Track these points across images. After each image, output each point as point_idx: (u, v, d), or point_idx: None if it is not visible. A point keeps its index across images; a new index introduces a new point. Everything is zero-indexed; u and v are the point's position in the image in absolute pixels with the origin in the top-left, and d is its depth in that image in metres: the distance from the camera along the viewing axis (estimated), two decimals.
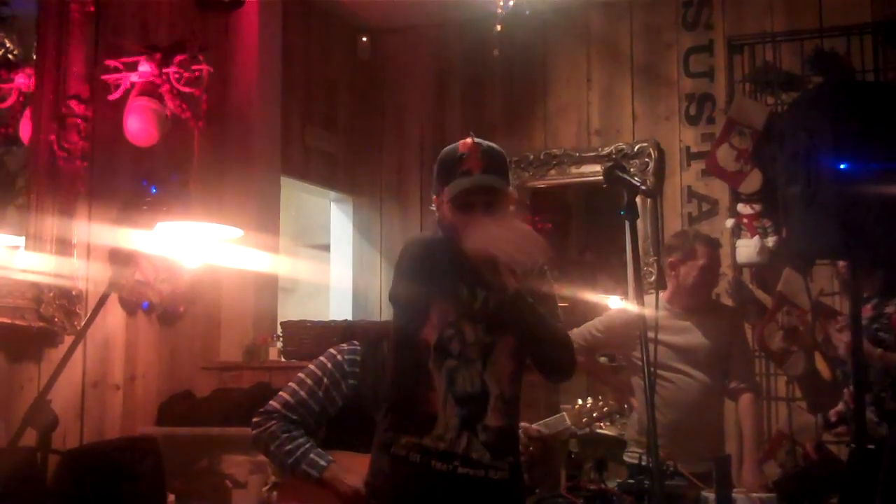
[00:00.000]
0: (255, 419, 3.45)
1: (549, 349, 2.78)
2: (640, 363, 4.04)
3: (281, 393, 3.48)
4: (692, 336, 4.41)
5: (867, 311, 4.32)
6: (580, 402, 3.89)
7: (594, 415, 3.81)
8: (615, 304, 5.73)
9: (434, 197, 2.84)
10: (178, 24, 4.86)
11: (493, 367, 2.72)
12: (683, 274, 4.45)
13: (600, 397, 3.91)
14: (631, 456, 4.38)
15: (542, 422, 3.85)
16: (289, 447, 3.35)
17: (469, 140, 2.76)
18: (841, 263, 4.42)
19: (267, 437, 3.40)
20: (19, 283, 3.91)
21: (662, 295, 4.57)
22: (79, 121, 4.16)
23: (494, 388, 2.72)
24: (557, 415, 3.86)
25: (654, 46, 6.19)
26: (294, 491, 3.41)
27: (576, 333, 4.60)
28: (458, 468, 2.68)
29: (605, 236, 6.78)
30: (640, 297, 2.72)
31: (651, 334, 3.84)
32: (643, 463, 4.06)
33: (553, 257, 6.63)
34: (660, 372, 4.26)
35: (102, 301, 3.43)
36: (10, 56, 4.21)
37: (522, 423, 3.66)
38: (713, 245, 4.52)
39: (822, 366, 5.11)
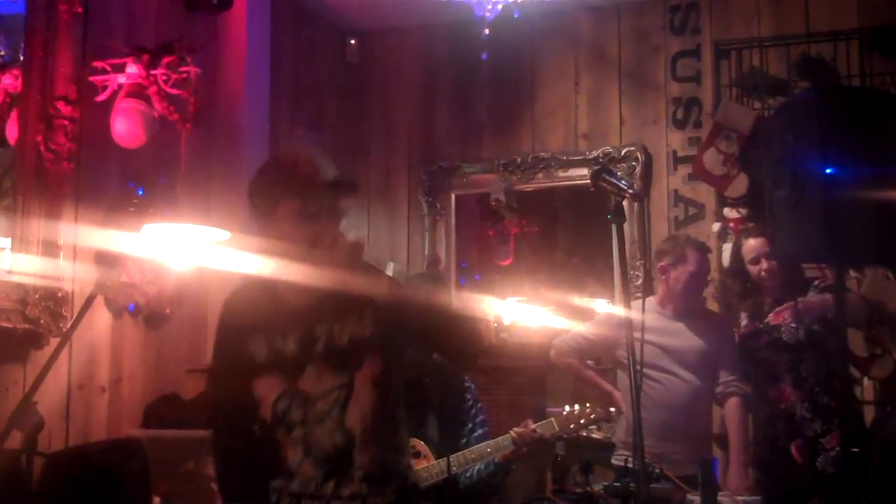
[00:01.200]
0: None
1: (442, 330, 2.50)
2: (626, 362, 4.12)
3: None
4: (682, 338, 4.46)
5: (784, 315, 4.36)
6: (568, 408, 3.90)
7: (581, 421, 3.82)
8: (601, 307, 5.75)
9: (258, 212, 2.56)
10: (165, 25, 4.85)
11: (355, 405, 2.47)
12: (674, 278, 4.50)
13: (588, 404, 3.92)
14: (618, 459, 4.40)
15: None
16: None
17: (299, 149, 2.54)
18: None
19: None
20: (5, 284, 3.90)
21: (653, 298, 4.63)
22: (66, 122, 4.15)
23: (361, 427, 2.48)
24: (545, 420, 3.86)
25: (641, 50, 6.21)
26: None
27: (566, 338, 4.64)
28: (332, 502, 2.48)
29: (592, 240, 6.77)
30: (627, 301, 2.73)
31: (639, 337, 3.93)
32: (629, 465, 4.08)
33: (537, 261, 6.65)
34: (649, 372, 4.33)
35: (88, 303, 3.41)
36: None
37: (521, 426, 3.68)
38: (703, 250, 4.57)
39: None
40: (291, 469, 2.49)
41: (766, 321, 4.39)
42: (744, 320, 4.60)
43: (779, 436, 4.30)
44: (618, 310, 4.86)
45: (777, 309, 4.35)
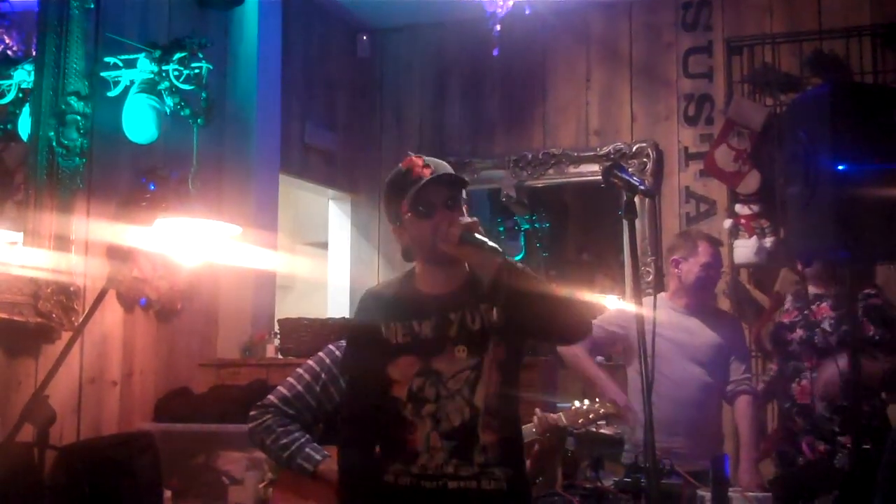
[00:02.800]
0: (251, 413, 3.46)
1: (558, 306, 2.67)
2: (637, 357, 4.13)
3: (278, 388, 3.48)
4: (694, 334, 4.46)
5: (824, 310, 4.36)
6: (577, 403, 3.89)
7: (591, 416, 3.81)
8: (613, 304, 5.74)
9: (393, 228, 2.80)
10: (177, 21, 4.87)
11: (483, 386, 2.67)
12: (685, 271, 4.50)
13: (597, 399, 3.91)
14: (628, 457, 4.41)
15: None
16: (284, 441, 3.36)
17: (408, 157, 2.75)
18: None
19: (262, 431, 3.40)
20: (17, 278, 3.91)
21: (665, 294, 4.62)
22: (78, 117, 4.16)
23: (485, 408, 2.67)
24: (555, 415, 3.86)
25: (653, 47, 6.20)
26: (290, 486, 3.42)
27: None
28: (448, 483, 2.64)
29: (602, 236, 6.78)
30: (638, 297, 2.73)
31: (650, 334, 3.93)
32: (638, 462, 4.09)
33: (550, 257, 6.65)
34: (660, 367, 4.28)
35: (100, 297, 3.42)
36: (9, 52, 4.21)
37: (539, 412, 3.68)
38: (715, 243, 4.57)
39: None
40: (416, 446, 2.66)
41: (805, 312, 4.37)
42: (787, 304, 4.60)
43: (796, 431, 4.31)
44: (629, 306, 4.84)
45: (821, 302, 4.35)
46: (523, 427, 3.68)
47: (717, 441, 4.52)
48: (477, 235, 2.59)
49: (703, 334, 4.47)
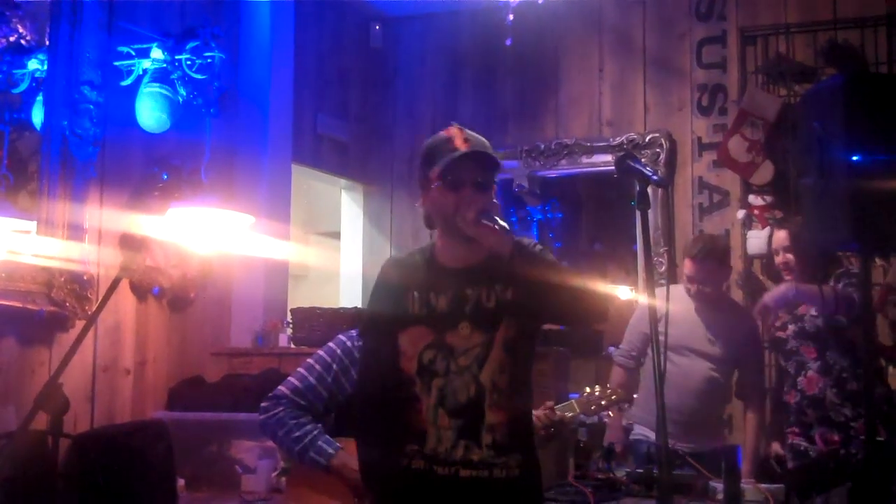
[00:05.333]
0: (263, 404, 3.46)
1: (573, 293, 2.67)
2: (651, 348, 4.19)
3: (290, 378, 3.48)
4: (704, 327, 4.46)
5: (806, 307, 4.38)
6: (588, 389, 3.88)
7: (603, 402, 3.80)
8: (624, 294, 5.73)
9: (421, 192, 2.78)
10: (190, 10, 4.87)
11: (490, 364, 2.67)
12: (695, 269, 4.53)
13: (609, 385, 3.91)
14: (637, 435, 4.46)
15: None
16: (297, 434, 3.35)
17: (452, 127, 2.73)
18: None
19: (275, 424, 3.40)
20: (31, 267, 3.93)
21: (680, 286, 4.64)
22: (91, 106, 4.17)
23: (493, 386, 2.66)
24: (565, 403, 3.86)
25: (666, 37, 6.18)
26: (303, 477, 3.42)
27: (622, 352, 4.68)
28: (459, 471, 2.64)
29: (615, 227, 6.78)
30: (651, 288, 2.72)
31: (663, 328, 3.97)
32: (651, 449, 4.13)
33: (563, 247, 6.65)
34: (670, 355, 4.34)
35: (114, 286, 3.42)
36: (23, 41, 4.22)
37: (546, 405, 3.67)
38: (698, 257, 4.55)
39: None
40: (424, 424, 2.66)
41: (794, 313, 4.41)
42: (774, 313, 4.61)
43: (810, 423, 4.32)
44: (647, 301, 4.83)
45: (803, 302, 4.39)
46: None
47: (713, 434, 4.54)
48: (490, 217, 2.59)
49: (713, 329, 4.48)
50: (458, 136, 2.69)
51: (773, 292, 4.41)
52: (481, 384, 2.65)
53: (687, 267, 4.54)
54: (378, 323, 2.80)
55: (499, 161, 2.75)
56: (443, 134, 2.73)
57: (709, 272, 4.48)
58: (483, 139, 2.74)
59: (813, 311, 4.33)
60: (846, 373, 4.25)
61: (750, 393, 4.57)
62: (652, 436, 4.35)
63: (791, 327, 4.43)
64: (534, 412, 3.70)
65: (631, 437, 4.53)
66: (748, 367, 4.55)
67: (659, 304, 4.34)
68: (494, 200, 2.68)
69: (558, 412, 3.68)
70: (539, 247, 2.74)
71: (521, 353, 2.74)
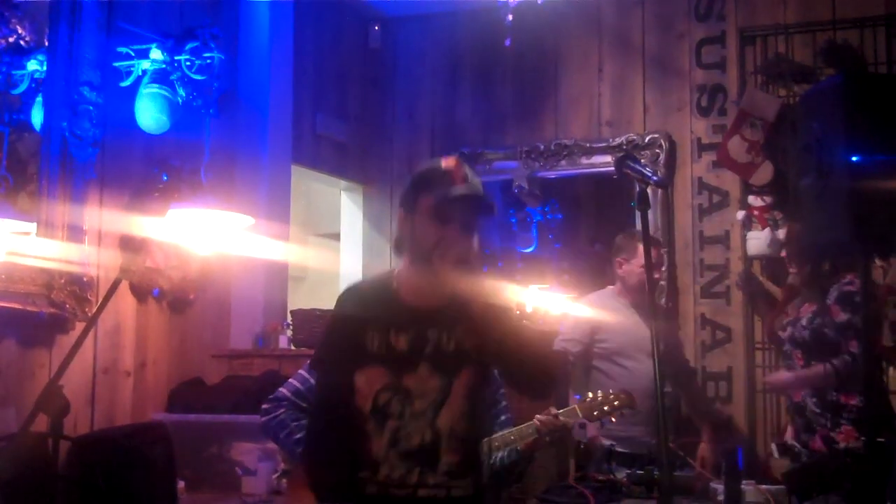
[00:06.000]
0: (264, 406, 3.46)
1: (532, 360, 2.66)
2: (598, 350, 4.67)
3: (290, 380, 3.48)
4: (640, 327, 4.63)
5: (809, 309, 4.41)
6: (590, 394, 3.89)
7: (605, 408, 3.80)
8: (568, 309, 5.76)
9: (401, 213, 2.71)
10: (190, 11, 4.87)
11: (448, 408, 2.62)
12: (628, 272, 4.73)
13: (611, 391, 3.91)
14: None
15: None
16: (298, 436, 3.35)
17: (452, 158, 2.68)
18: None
19: (276, 426, 3.40)
20: (31, 269, 3.93)
21: (614, 288, 4.79)
22: (91, 107, 4.17)
23: (449, 430, 2.62)
24: (568, 408, 3.86)
25: (666, 37, 6.17)
26: (304, 480, 3.42)
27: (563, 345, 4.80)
28: (417, 491, 2.60)
29: (614, 228, 6.74)
30: (651, 288, 2.73)
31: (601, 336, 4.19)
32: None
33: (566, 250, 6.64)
34: (617, 359, 4.67)
35: (114, 288, 3.42)
36: (22, 42, 4.21)
37: (545, 413, 3.69)
38: (654, 244, 4.71)
39: None
40: (377, 460, 2.60)
41: (793, 315, 4.45)
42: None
43: (799, 429, 4.36)
44: (581, 310, 4.97)
45: (803, 303, 4.43)
46: (521, 427, 3.69)
47: (674, 428, 4.76)
48: (473, 265, 2.55)
49: (647, 327, 4.64)
50: (458, 173, 2.63)
51: (775, 380, 4.68)
52: (437, 430, 2.61)
53: (642, 254, 4.63)
54: (335, 358, 2.72)
55: (493, 208, 2.71)
56: (442, 164, 2.67)
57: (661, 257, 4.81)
58: (478, 180, 2.69)
59: (804, 322, 4.38)
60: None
61: (686, 381, 4.93)
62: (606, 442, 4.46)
63: (789, 329, 4.46)
64: (536, 417, 3.71)
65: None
66: (680, 358, 4.87)
67: (593, 312, 4.62)
68: (477, 246, 2.61)
69: (561, 418, 3.68)
70: (509, 308, 2.67)
71: (480, 398, 2.71)
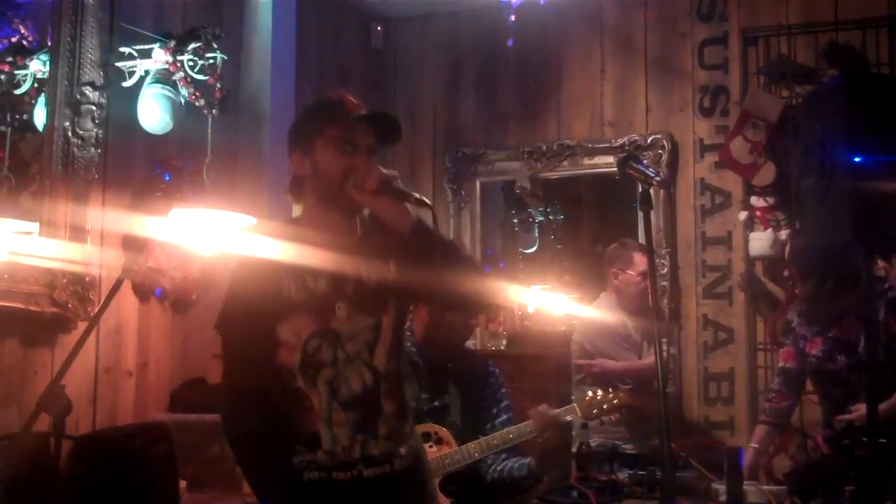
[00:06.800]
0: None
1: (461, 279, 2.45)
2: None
3: None
4: (638, 334, 4.80)
5: (818, 342, 4.31)
6: (590, 393, 3.89)
7: (605, 406, 3.81)
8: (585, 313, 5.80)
9: (293, 153, 2.57)
10: (192, 11, 4.87)
11: (381, 348, 2.48)
12: (624, 282, 4.82)
13: (610, 389, 3.91)
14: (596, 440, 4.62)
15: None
16: None
17: (341, 93, 2.57)
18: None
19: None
20: (33, 269, 3.92)
21: (610, 297, 4.85)
22: (93, 107, 4.17)
23: (386, 373, 2.48)
24: (567, 406, 3.86)
25: (668, 38, 6.17)
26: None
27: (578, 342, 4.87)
28: (362, 472, 2.46)
29: (617, 228, 6.76)
30: (654, 287, 2.74)
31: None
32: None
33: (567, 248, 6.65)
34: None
35: (116, 287, 3.43)
36: (24, 42, 4.22)
37: (540, 407, 3.69)
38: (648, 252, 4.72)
39: None
40: (315, 426, 2.43)
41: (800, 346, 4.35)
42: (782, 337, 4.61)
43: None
44: (591, 312, 5.03)
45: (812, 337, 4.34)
46: (520, 426, 3.69)
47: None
48: (400, 186, 2.46)
49: (640, 335, 4.80)
50: (352, 101, 2.54)
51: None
52: (375, 369, 2.47)
53: (639, 262, 4.79)
54: (249, 313, 2.47)
55: (400, 129, 2.60)
56: (332, 97, 2.57)
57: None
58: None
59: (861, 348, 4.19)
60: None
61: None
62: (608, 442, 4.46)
63: (842, 359, 4.31)
64: (530, 411, 3.71)
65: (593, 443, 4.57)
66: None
67: (596, 316, 4.69)
68: (393, 171, 2.50)
69: (554, 413, 3.67)
70: (434, 224, 2.53)
71: (401, 336, 2.58)
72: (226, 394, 2.60)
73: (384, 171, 2.47)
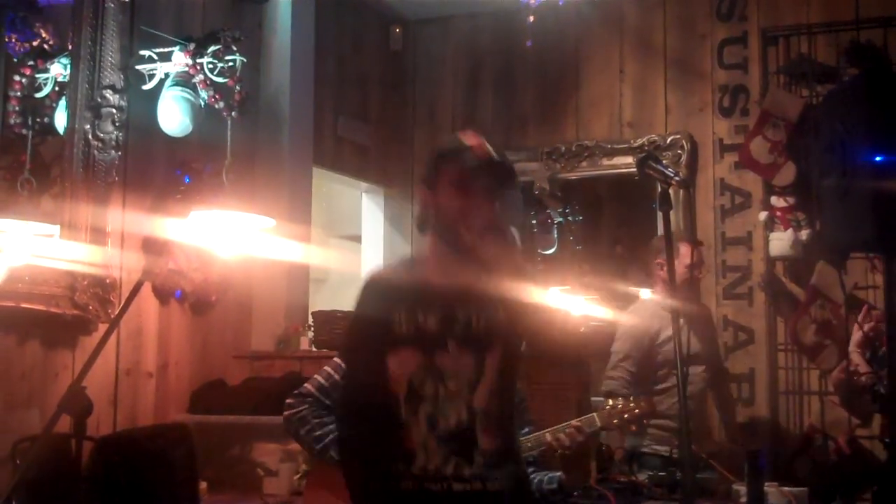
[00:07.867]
0: (288, 401, 3.47)
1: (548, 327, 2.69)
2: (660, 359, 4.66)
3: (316, 376, 3.48)
4: (688, 331, 4.67)
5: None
6: (611, 402, 3.86)
7: (625, 416, 3.77)
8: (645, 296, 5.72)
9: (423, 190, 2.66)
10: (211, 14, 4.89)
11: (483, 387, 2.58)
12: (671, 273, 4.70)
13: (632, 399, 3.88)
14: (646, 448, 4.53)
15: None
16: (318, 433, 3.37)
17: (472, 133, 2.62)
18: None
19: (297, 421, 3.41)
20: (54, 271, 3.95)
21: (654, 293, 4.81)
22: (113, 110, 4.19)
23: (485, 411, 2.58)
24: (588, 415, 3.83)
25: (687, 38, 6.15)
26: (322, 478, 3.43)
27: (614, 376, 4.77)
28: (452, 485, 2.55)
29: (636, 229, 6.74)
30: (673, 289, 2.73)
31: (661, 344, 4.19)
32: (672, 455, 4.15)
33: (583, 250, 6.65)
34: (669, 367, 4.67)
35: (136, 289, 3.44)
36: (45, 46, 4.24)
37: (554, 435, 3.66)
38: (695, 244, 4.73)
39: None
40: (414, 449, 2.57)
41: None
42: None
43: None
44: (629, 316, 4.97)
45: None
46: (540, 434, 3.65)
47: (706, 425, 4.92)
48: (499, 231, 2.52)
49: (695, 328, 4.75)
50: (483, 147, 2.59)
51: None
52: (474, 409, 2.57)
53: (685, 254, 4.70)
54: (365, 344, 2.68)
55: (516, 177, 2.69)
56: (463, 139, 2.64)
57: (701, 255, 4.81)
58: (501, 153, 2.65)
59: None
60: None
61: (720, 382, 5.05)
62: (661, 449, 4.41)
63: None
64: (560, 435, 3.65)
65: (642, 450, 4.54)
66: (714, 357, 4.96)
67: (643, 321, 4.61)
68: (508, 212, 2.58)
69: (584, 431, 3.62)
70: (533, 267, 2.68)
71: (512, 376, 2.68)
72: (341, 413, 2.83)
73: (493, 214, 2.54)
